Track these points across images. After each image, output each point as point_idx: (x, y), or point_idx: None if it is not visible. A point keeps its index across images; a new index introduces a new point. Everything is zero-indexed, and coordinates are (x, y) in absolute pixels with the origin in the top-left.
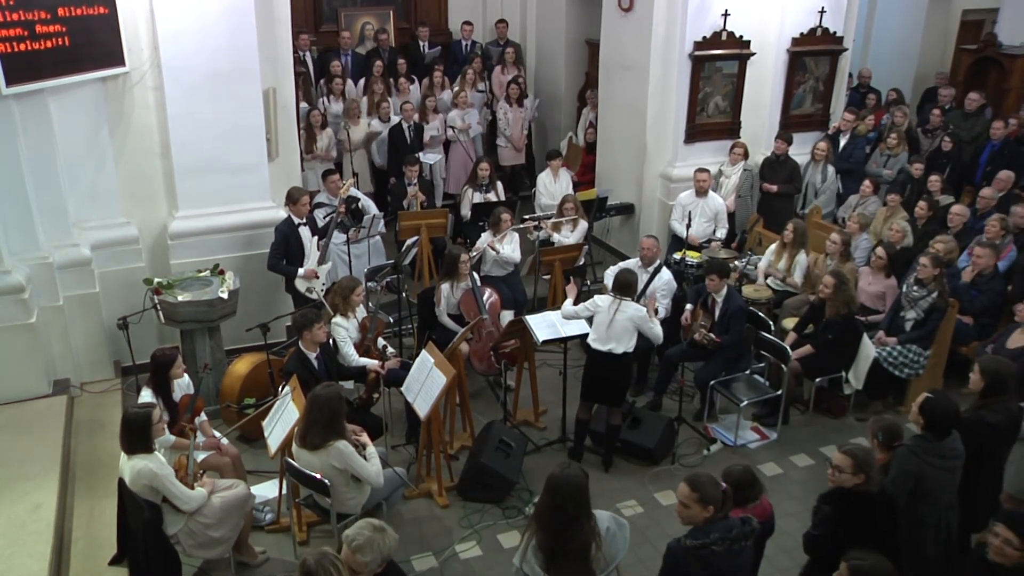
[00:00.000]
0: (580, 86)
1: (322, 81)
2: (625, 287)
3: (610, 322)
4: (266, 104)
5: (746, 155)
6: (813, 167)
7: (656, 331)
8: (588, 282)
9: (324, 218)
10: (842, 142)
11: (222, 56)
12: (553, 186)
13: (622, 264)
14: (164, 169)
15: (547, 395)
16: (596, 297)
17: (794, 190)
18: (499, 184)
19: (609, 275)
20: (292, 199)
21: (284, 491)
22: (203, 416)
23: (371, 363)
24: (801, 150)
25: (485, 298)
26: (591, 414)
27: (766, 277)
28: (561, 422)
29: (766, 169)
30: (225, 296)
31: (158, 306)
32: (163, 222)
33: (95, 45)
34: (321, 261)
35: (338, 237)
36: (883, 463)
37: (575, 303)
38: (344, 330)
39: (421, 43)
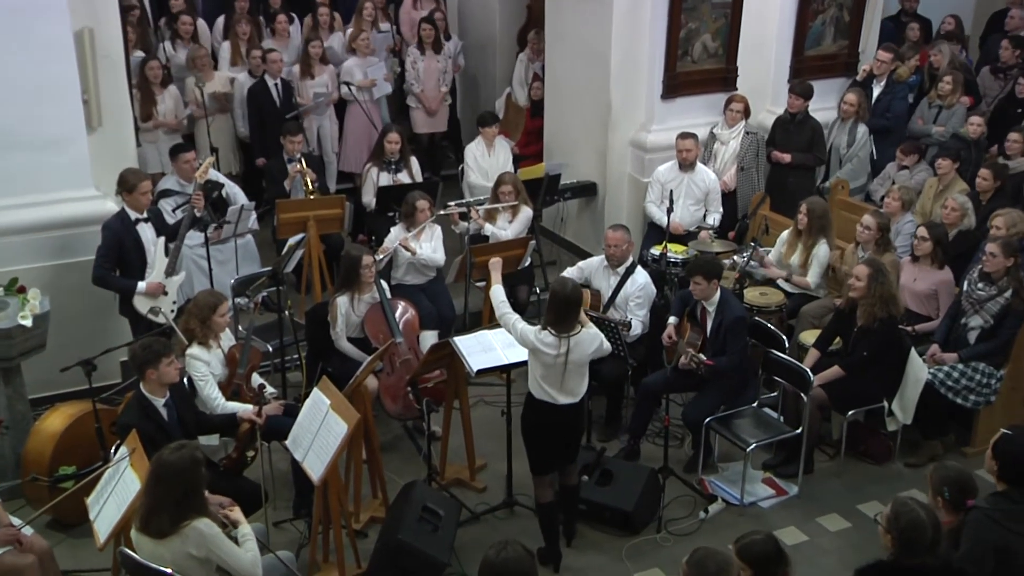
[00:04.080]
0: (520, 25)
1: (162, 21)
2: (566, 310)
3: (564, 372)
4: (80, 52)
5: (747, 112)
6: (839, 126)
7: (608, 346)
8: (538, 290)
9: (173, 211)
10: (876, 91)
11: None
12: (487, 161)
13: (582, 264)
14: None
15: (485, 444)
16: (536, 332)
17: (816, 161)
18: (413, 161)
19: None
20: (127, 186)
21: None
22: None
23: (243, 409)
24: (822, 104)
25: (398, 315)
26: (555, 489)
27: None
28: (506, 480)
29: (778, 132)
30: (28, 323)
31: None
32: None
33: None
34: (170, 271)
35: (193, 237)
36: (951, 528)
37: (520, 300)
38: (204, 365)
39: None
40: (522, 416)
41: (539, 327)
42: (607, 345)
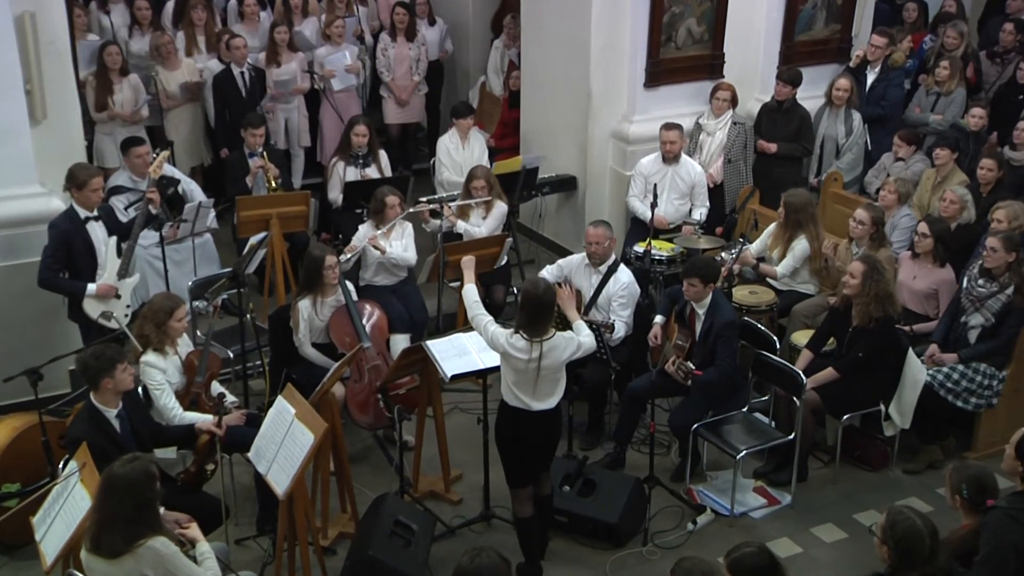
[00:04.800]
0: (494, 9)
1: (93, 3)
2: (539, 313)
3: (537, 378)
4: (21, 38)
5: (735, 101)
6: (831, 115)
7: (589, 345)
8: (515, 291)
9: (126, 209)
10: (870, 78)
11: None
12: (460, 154)
13: (562, 262)
14: None
15: (461, 453)
16: (507, 336)
17: (803, 151)
18: (382, 154)
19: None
20: (76, 182)
21: None
22: None
23: (202, 419)
24: (813, 92)
25: (365, 318)
26: (533, 502)
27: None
28: (483, 491)
29: (764, 121)
30: None
31: None
32: None
33: None
34: (123, 273)
35: (148, 237)
36: (970, 531)
37: (497, 301)
38: (160, 372)
39: None
40: (496, 425)
41: (511, 331)
42: (588, 343)
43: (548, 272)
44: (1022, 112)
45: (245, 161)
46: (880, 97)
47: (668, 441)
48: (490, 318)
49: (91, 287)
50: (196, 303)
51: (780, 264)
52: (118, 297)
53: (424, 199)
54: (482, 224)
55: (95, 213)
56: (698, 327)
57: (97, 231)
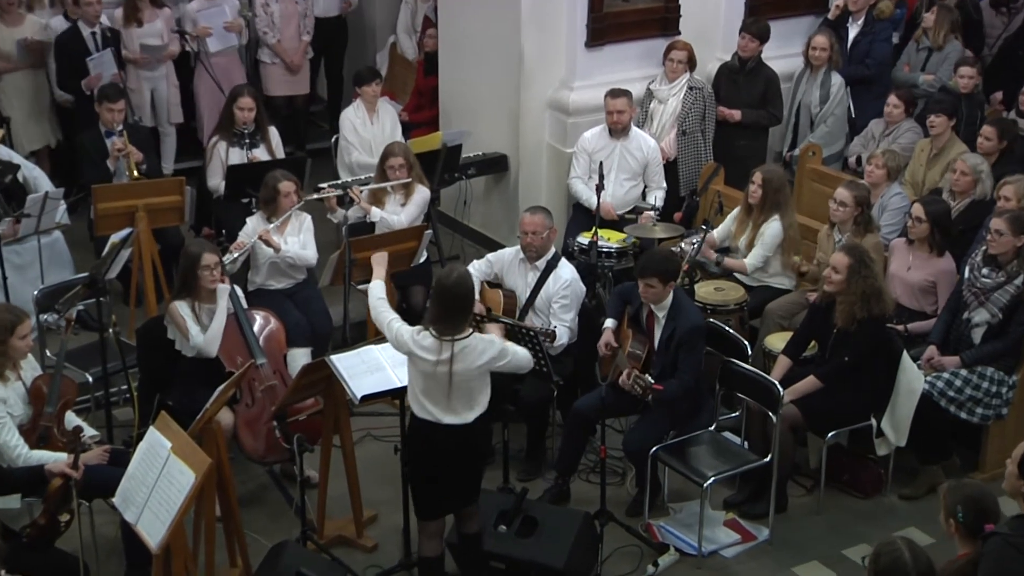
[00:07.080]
0: None
1: None
2: (451, 307)
3: (449, 386)
4: None
5: (692, 63)
6: (809, 78)
7: (522, 358)
8: None
9: None
10: (852, 32)
11: None
12: (368, 130)
13: (492, 257)
14: None
15: (376, 490)
16: (414, 334)
17: (770, 119)
18: (273, 132)
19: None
20: None
21: None
22: None
23: (54, 459)
24: (783, 50)
25: (256, 329)
26: (444, 540)
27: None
28: (403, 535)
29: (723, 84)
30: None
31: None
32: None
33: None
34: None
35: None
36: (968, 561)
37: (415, 304)
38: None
39: None
40: (407, 440)
41: (419, 327)
42: (521, 353)
43: (475, 268)
44: None
45: (102, 142)
46: (864, 55)
47: (622, 468)
48: (395, 315)
49: None
50: (44, 316)
51: (751, 254)
52: None
53: (326, 184)
54: (401, 212)
55: None
56: (657, 332)
57: None
